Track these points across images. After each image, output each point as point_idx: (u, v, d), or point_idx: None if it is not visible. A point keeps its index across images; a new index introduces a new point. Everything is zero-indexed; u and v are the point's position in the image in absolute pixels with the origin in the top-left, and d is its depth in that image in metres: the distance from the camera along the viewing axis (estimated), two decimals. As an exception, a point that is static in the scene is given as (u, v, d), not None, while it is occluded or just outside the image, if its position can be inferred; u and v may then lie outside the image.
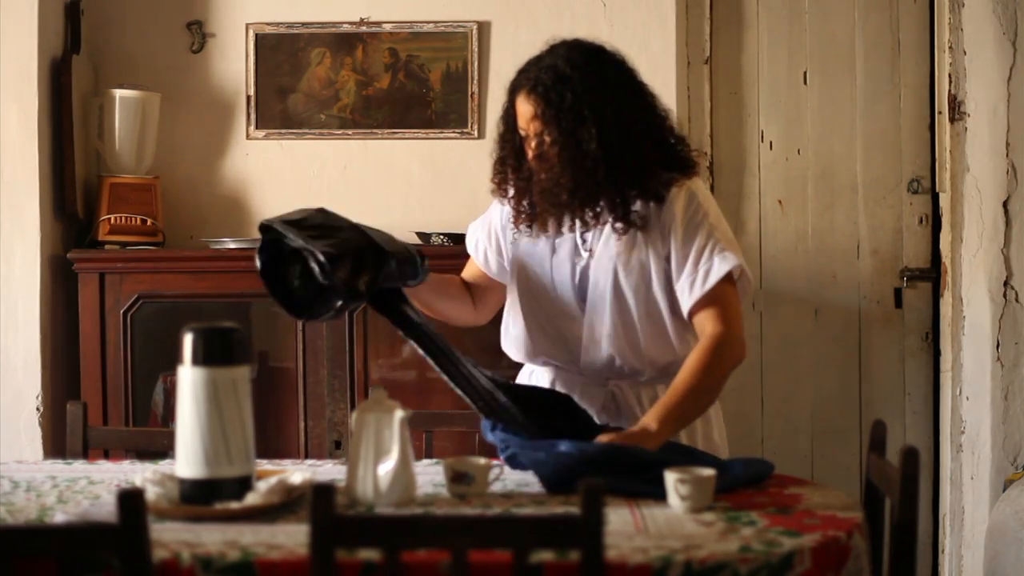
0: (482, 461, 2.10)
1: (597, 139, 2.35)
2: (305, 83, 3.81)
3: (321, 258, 2.27)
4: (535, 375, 2.56)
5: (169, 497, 1.97)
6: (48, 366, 3.54)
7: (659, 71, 3.60)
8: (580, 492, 1.60)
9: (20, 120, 3.51)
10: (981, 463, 3.71)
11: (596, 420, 2.41)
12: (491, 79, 3.75)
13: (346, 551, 1.67)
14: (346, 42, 3.80)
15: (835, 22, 3.96)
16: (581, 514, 1.60)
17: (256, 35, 3.81)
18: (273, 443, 3.46)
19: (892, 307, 3.96)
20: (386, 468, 1.99)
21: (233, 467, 1.95)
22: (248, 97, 3.81)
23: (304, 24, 3.81)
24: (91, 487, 2.19)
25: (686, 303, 2.40)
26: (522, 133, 2.44)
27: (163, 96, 3.75)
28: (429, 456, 2.69)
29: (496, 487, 2.12)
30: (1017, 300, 3.69)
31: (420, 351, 2.36)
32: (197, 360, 1.95)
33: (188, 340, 1.95)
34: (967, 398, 3.72)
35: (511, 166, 2.48)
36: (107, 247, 3.58)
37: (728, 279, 2.39)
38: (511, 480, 2.17)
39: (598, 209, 2.40)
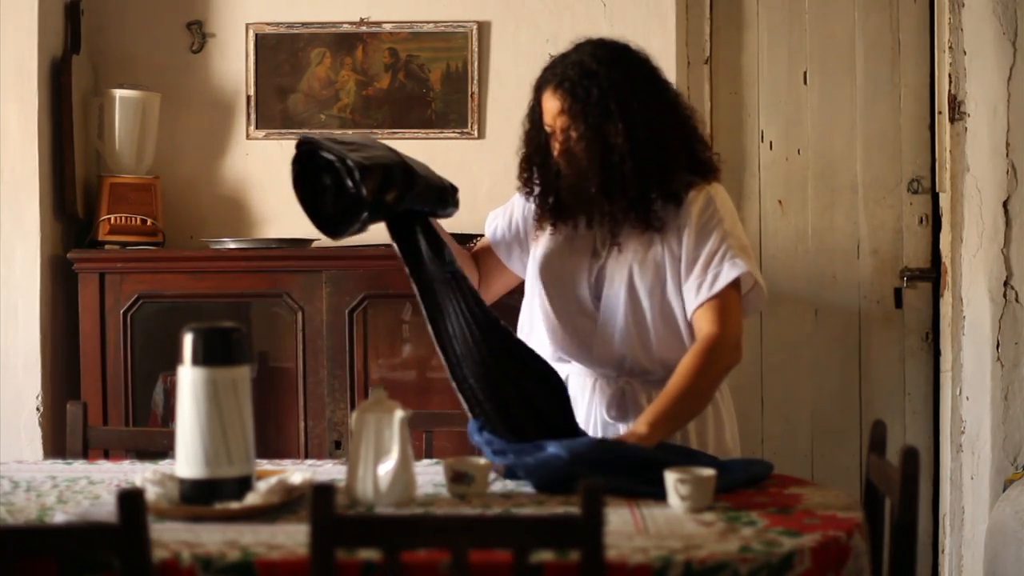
0: (482, 461, 2.10)
1: (624, 133, 2.36)
2: (305, 83, 3.81)
3: (352, 165, 2.28)
4: None
5: (169, 497, 1.97)
6: (48, 366, 3.54)
7: (659, 71, 3.60)
8: (580, 492, 1.60)
9: (20, 120, 3.51)
10: (981, 463, 3.71)
11: (606, 415, 2.43)
12: (491, 79, 3.75)
13: (346, 551, 1.67)
14: (346, 42, 3.80)
15: (835, 22, 3.96)
16: (581, 514, 1.59)
17: (256, 35, 3.81)
18: (273, 443, 3.46)
19: (892, 307, 3.96)
20: (386, 468, 1.99)
21: (233, 467, 1.95)
22: (248, 97, 3.81)
23: (304, 24, 3.81)
24: (91, 487, 2.19)
25: (690, 305, 2.41)
26: (548, 130, 2.45)
27: (163, 96, 3.75)
28: (429, 456, 2.69)
29: (496, 487, 2.12)
30: (1017, 300, 3.69)
31: (418, 298, 2.36)
32: (197, 360, 1.95)
33: (188, 340, 1.95)
34: (967, 398, 3.72)
35: (537, 163, 2.49)
36: (107, 247, 3.58)
37: (735, 285, 2.39)
38: (511, 480, 2.17)
39: (623, 204, 2.41)
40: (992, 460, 3.69)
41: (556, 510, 1.97)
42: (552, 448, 2.12)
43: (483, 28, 3.79)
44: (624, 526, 1.86)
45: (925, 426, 3.93)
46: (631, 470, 2.07)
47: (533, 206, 2.54)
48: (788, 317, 3.96)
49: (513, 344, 2.38)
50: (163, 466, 2.29)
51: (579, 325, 2.47)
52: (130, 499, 1.61)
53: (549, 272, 2.50)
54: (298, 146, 2.40)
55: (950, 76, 3.74)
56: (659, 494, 1.99)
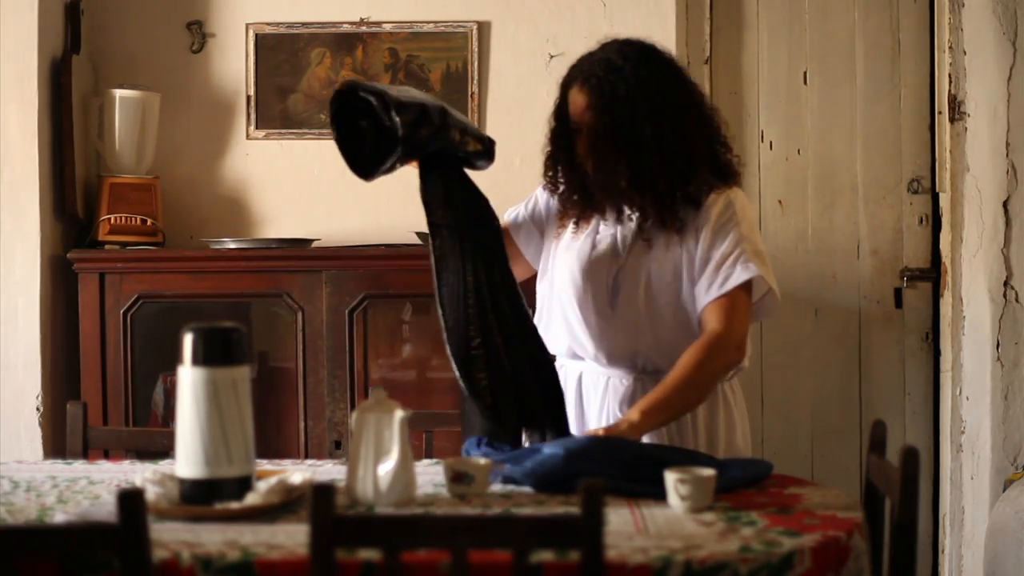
0: (482, 461, 2.10)
1: (651, 129, 2.38)
2: (305, 83, 3.81)
3: (389, 101, 2.31)
4: (565, 369, 2.58)
5: (169, 497, 1.97)
6: (48, 366, 3.54)
7: (659, 71, 3.60)
8: (580, 492, 1.60)
9: (20, 120, 3.51)
10: (981, 463, 3.71)
11: (619, 412, 2.45)
12: (491, 79, 3.75)
13: (346, 551, 1.67)
14: (346, 42, 3.80)
15: (835, 22, 3.96)
16: (581, 514, 1.60)
17: (256, 35, 3.81)
18: (273, 443, 3.46)
19: (892, 307, 3.96)
20: (386, 468, 1.99)
21: (233, 467, 1.95)
22: (248, 97, 3.81)
23: (304, 24, 3.81)
24: (91, 487, 2.19)
25: (700, 302, 2.43)
26: (573, 126, 2.46)
27: (163, 96, 3.75)
28: (429, 456, 2.70)
29: (496, 487, 2.12)
30: (1017, 300, 3.69)
31: (429, 249, 2.38)
32: (197, 360, 1.95)
33: (188, 340, 1.95)
34: (967, 398, 3.72)
35: (562, 161, 2.50)
36: (107, 247, 3.58)
37: (745, 288, 2.41)
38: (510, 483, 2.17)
39: (652, 199, 2.42)
40: (992, 460, 3.69)
41: (556, 510, 1.97)
42: (548, 449, 2.14)
43: (483, 28, 3.79)
44: (624, 526, 1.86)
45: (925, 426, 3.93)
46: (629, 466, 2.08)
47: (555, 202, 2.57)
48: (788, 317, 3.95)
49: (522, 319, 2.40)
50: (163, 466, 2.28)
51: (595, 323, 2.49)
52: (130, 499, 1.61)
53: (568, 270, 2.51)
54: (339, 89, 2.42)
55: (950, 76, 3.74)
56: (659, 494, 1.99)
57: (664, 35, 3.73)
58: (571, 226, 2.53)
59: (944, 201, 3.81)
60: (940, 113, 3.82)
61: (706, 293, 2.41)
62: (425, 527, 1.65)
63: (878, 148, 3.95)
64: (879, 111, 3.95)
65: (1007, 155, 3.68)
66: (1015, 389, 3.70)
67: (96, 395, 3.46)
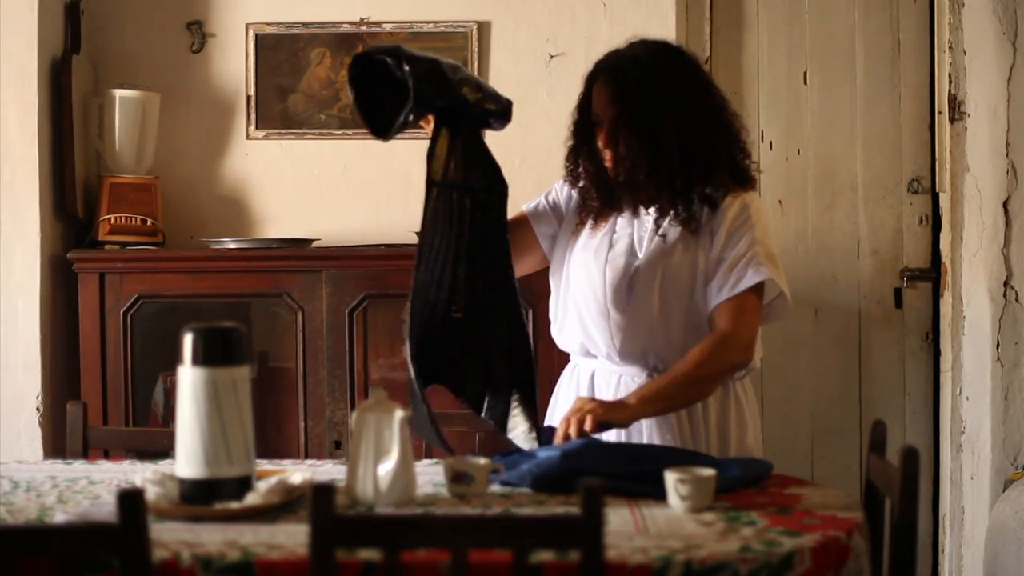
0: (482, 461, 2.10)
1: (673, 127, 2.40)
2: (305, 83, 3.81)
3: (403, 55, 2.32)
4: (578, 368, 2.59)
5: (169, 497, 1.97)
6: (48, 366, 3.54)
7: (659, 71, 3.60)
8: (580, 492, 1.60)
9: (20, 120, 3.51)
10: (981, 463, 3.71)
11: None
12: (491, 79, 3.75)
13: (346, 551, 1.67)
14: (346, 42, 3.80)
15: (835, 22, 3.96)
16: (581, 514, 1.60)
17: (256, 35, 3.81)
18: (273, 443, 3.46)
19: (892, 307, 3.96)
20: (386, 468, 1.99)
21: (233, 467, 1.95)
22: (248, 97, 3.81)
23: (304, 24, 3.81)
24: (91, 487, 2.19)
25: (710, 303, 2.44)
26: (595, 119, 2.47)
27: (163, 96, 3.75)
28: (429, 456, 2.69)
29: (496, 487, 2.12)
30: (1017, 300, 3.69)
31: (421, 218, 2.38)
32: (197, 360, 1.95)
33: (188, 340, 1.95)
34: (967, 398, 3.72)
35: (584, 153, 2.52)
36: (107, 247, 3.58)
37: (755, 290, 2.42)
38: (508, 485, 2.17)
39: (670, 195, 2.44)
40: (992, 460, 3.69)
41: (556, 510, 1.98)
42: (543, 452, 2.17)
43: (483, 28, 3.79)
44: (624, 526, 1.86)
45: (925, 426, 3.93)
46: (628, 464, 2.09)
47: (575, 197, 2.58)
48: (788, 317, 3.95)
49: (509, 291, 2.41)
50: (163, 466, 2.28)
51: (609, 322, 2.49)
52: (130, 499, 1.61)
53: (584, 269, 2.52)
54: (356, 54, 2.42)
55: (950, 76, 3.74)
56: (659, 494, 1.99)
57: (664, 35, 3.68)
58: (589, 224, 2.55)
59: (944, 201, 3.81)
60: (940, 113, 3.82)
61: (717, 294, 2.43)
62: (425, 527, 1.65)
63: (878, 148, 3.95)
64: (879, 111, 3.95)
65: (1007, 155, 3.68)
66: (1015, 389, 3.70)
67: (96, 395, 3.46)
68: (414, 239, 3.50)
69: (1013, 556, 3.30)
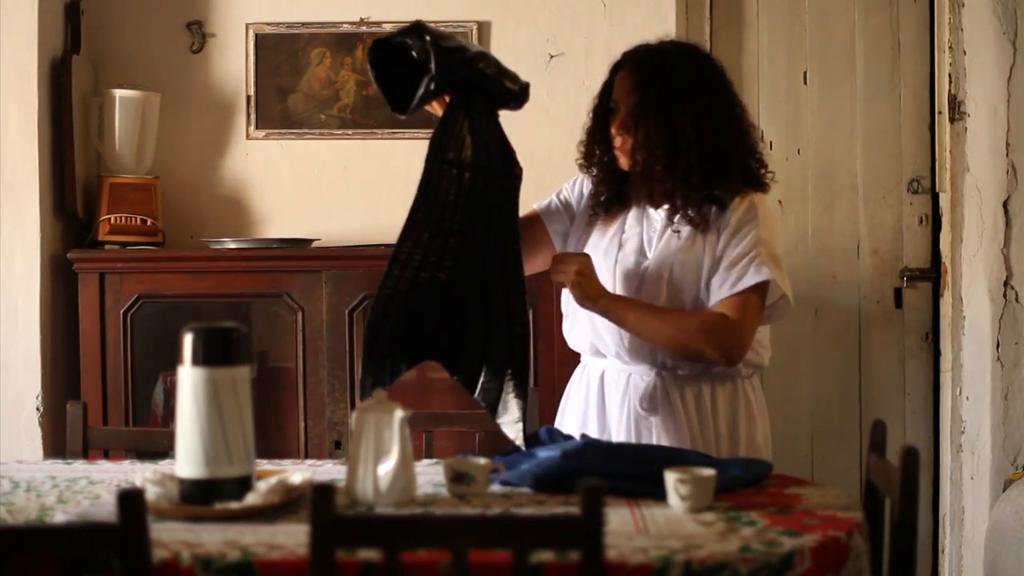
0: (482, 461, 2.10)
1: (693, 124, 2.42)
2: (305, 83, 3.81)
3: (423, 29, 2.37)
4: (588, 368, 2.59)
5: (169, 497, 1.97)
6: (48, 366, 3.54)
7: (659, 71, 3.60)
8: (580, 492, 1.60)
9: (20, 120, 3.51)
10: (981, 463, 3.71)
11: (639, 408, 2.46)
12: (491, 79, 3.74)
13: (346, 551, 1.67)
14: (346, 42, 3.80)
15: (835, 22, 3.96)
16: (581, 514, 1.59)
17: (256, 35, 3.81)
18: (273, 443, 3.46)
19: (892, 307, 3.96)
20: (386, 468, 1.99)
21: (233, 467, 1.95)
22: (248, 97, 3.81)
23: (304, 24, 3.81)
24: (91, 487, 2.19)
25: (712, 299, 2.44)
26: (613, 106, 2.49)
27: (163, 96, 3.75)
28: (429, 456, 2.70)
29: (496, 487, 2.12)
30: (1017, 300, 3.69)
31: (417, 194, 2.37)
32: (197, 360, 1.95)
33: (188, 340, 1.95)
34: (967, 398, 3.72)
35: (599, 140, 2.54)
36: (107, 247, 3.58)
37: (757, 291, 2.42)
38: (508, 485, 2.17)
39: (684, 190, 2.45)
40: (992, 460, 3.69)
41: (556, 510, 1.98)
42: (543, 452, 2.17)
43: (483, 28, 3.79)
44: (624, 526, 1.86)
45: (925, 426, 3.93)
46: (628, 464, 2.09)
47: (587, 190, 2.59)
48: (788, 317, 3.95)
49: (516, 274, 2.41)
50: (163, 466, 2.29)
51: None
52: (130, 499, 1.61)
53: (595, 266, 2.52)
54: (377, 39, 2.46)
55: (950, 76, 3.74)
56: (659, 494, 1.99)
57: (664, 35, 3.73)
58: (599, 224, 2.56)
59: (944, 201, 3.81)
60: (940, 113, 3.82)
61: (718, 290, 2.43)
62: (425, 527, 1.65)
63: (878, 148, 3.95)
64: (879, 111, 3.95)
65: (1007, 155, 3.68)
66: (1015, 389, 3.70)
67: (96, 395, 3.46)
68: (414, 239, 3.53)
69: (1013, 556, 3.30)
